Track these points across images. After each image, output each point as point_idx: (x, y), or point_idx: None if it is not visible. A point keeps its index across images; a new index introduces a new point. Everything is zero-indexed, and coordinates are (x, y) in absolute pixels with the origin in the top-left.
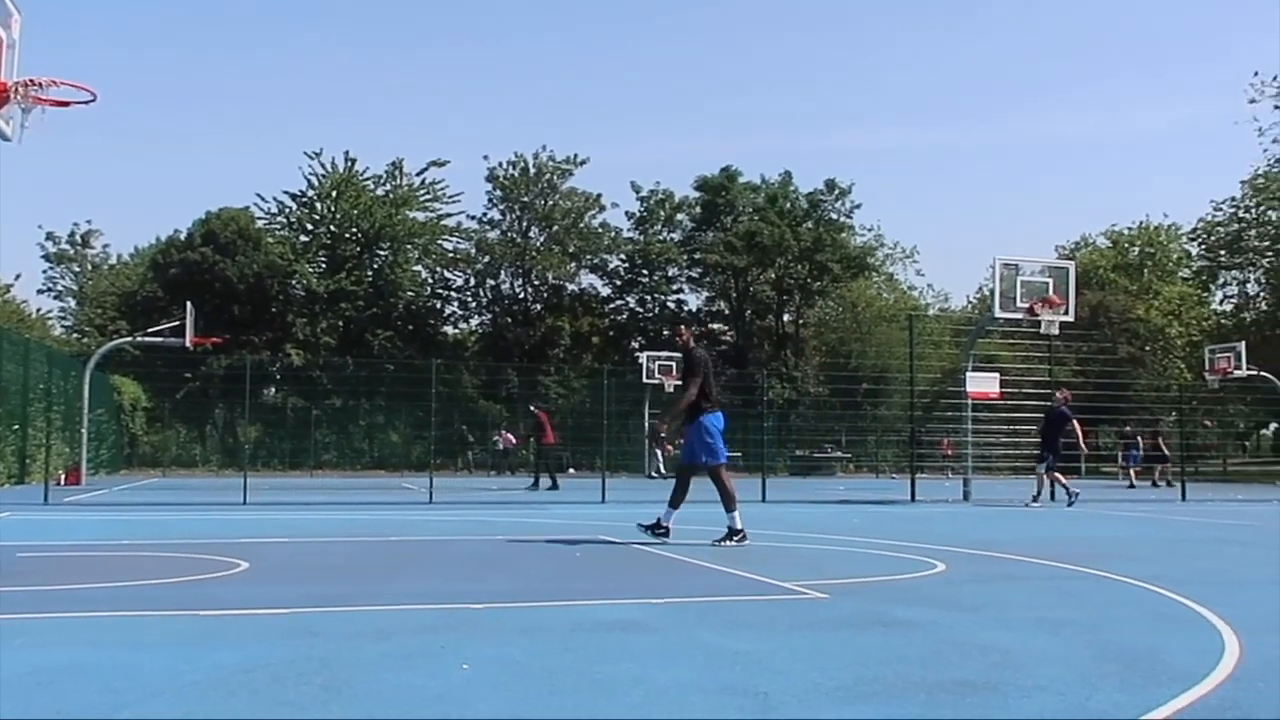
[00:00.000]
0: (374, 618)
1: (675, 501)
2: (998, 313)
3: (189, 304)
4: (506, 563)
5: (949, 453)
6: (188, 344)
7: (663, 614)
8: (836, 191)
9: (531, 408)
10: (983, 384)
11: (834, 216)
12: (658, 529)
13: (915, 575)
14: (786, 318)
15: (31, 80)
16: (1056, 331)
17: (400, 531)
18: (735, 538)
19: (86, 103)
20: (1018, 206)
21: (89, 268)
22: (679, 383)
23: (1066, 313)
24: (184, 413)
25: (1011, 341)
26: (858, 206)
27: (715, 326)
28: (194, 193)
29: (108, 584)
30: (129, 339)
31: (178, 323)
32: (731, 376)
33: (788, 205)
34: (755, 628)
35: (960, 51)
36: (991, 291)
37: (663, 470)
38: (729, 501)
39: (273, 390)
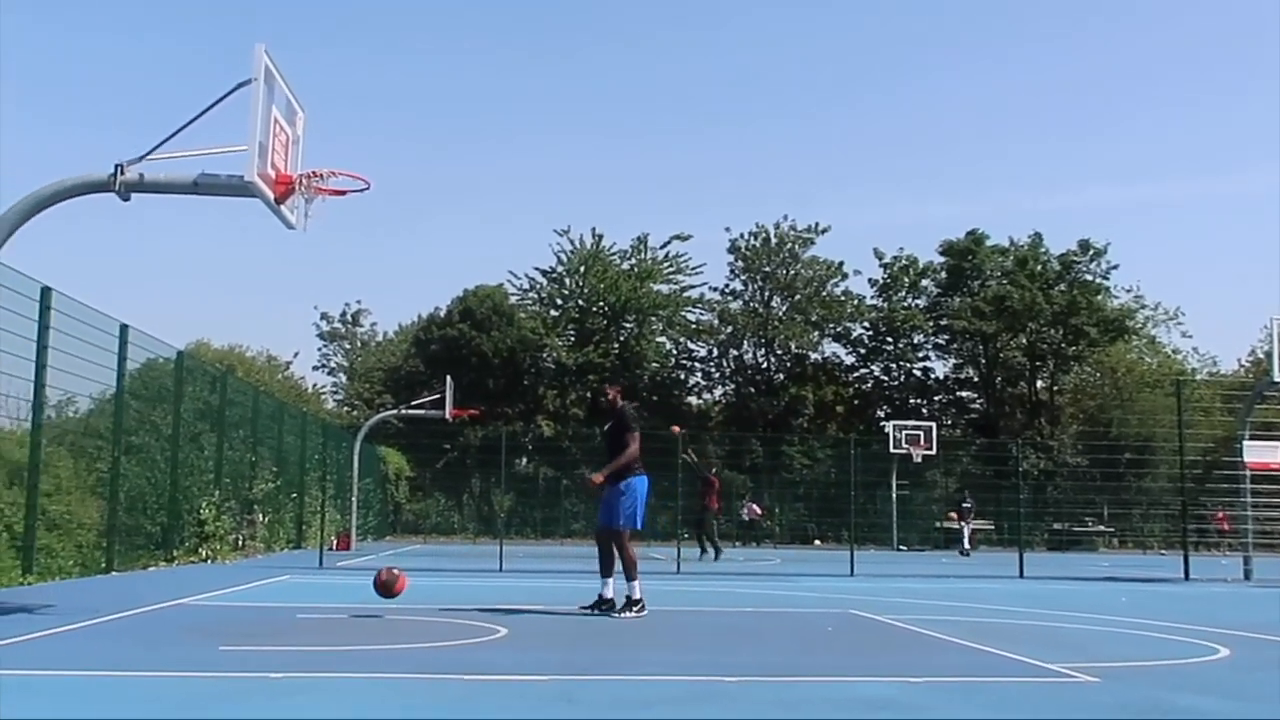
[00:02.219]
0: (630, 688)
1: (607, 570)
2: (1277, 376)
3: (448, 378)
4: (755, 635)
5: (1225, 527)
6: (447, 416)
7: (921, 694)
8: (1091, 251)
9: (712, 470)
10: (1263, 453)
11: (1089, 278)
12: (600, 604)
13: (1195, 660)
14: (1040, 384)
15: (314, 172)
16: None
17: (650, 602)
18: (635, 608)
19: (361, 191)
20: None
21: (358, 345)
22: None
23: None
24: (443, 482)
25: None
26: (1115, 267)
27: (963, 394)
28: (452, 271)
29: (379, 646)
30: (393, 412)
31: (438, 396)
32: (982, 446)
33: (1038, 267)
34: (1022, 712)
35: (1221, 101)
36: (1268, 353)
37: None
38: (631, 569)
39: (525, 460)
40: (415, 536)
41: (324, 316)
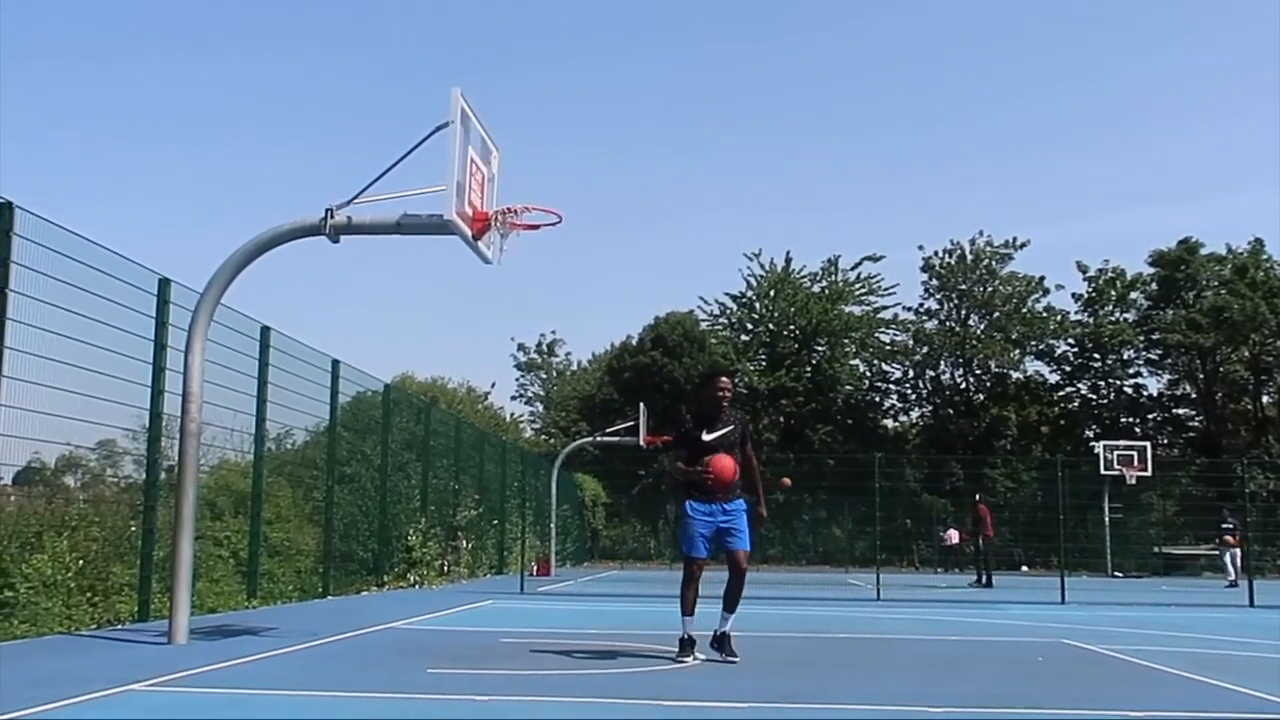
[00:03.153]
0: (830, 714)
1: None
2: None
3: (641, 405)
4: (961, 665)
5: None
6: (641, 443)
7: None
8: None
9: (977, 498)
10: None
11: None
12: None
13: None
14: (1265, 399)
15: (509, 208)
16: None
17: (849, 629)
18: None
19: (554, 224)
20: None
21: (554, 374)
22: (1133, 472)
23: None
24: (639, 508)
25: None
26: None
27: (1180, 411)
28: (644, 299)
29: (578, 671)
30: (589, 439)
31: (631, 423)
32: (1203, 466)
33: (1260, 275)
34: None
35: None
36: None
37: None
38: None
39: None
40: (612, 562)
41: (520, 348)
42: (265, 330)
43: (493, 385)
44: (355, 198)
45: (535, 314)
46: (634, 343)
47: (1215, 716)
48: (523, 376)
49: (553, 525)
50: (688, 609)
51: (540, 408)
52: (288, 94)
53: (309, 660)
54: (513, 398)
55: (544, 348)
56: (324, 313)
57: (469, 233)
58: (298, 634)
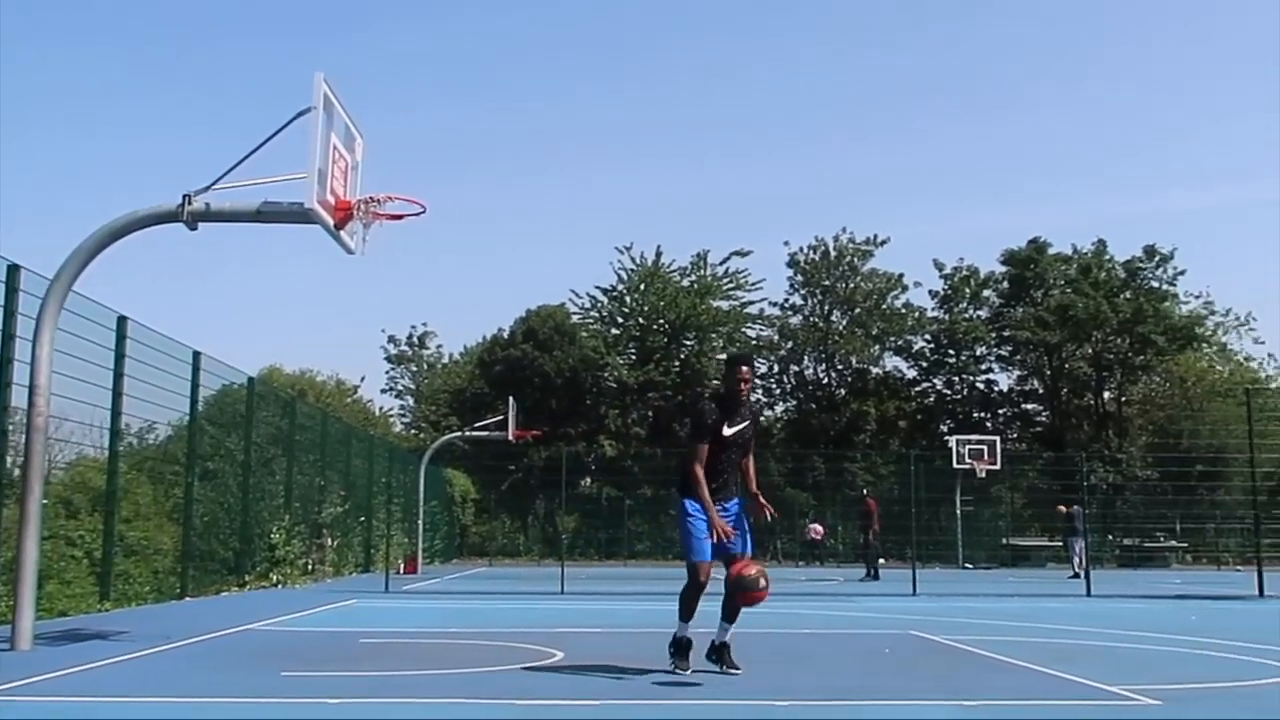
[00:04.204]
0: (681, 712)
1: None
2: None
3: (510, 399)
4: (812, 658)
5: None
6: (510, 437)
7: (977, 718)
8: (1157, 258)
9: (865, 492)
10: None
11: (1155, 285)
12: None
13: (1263, 682)
14: (1107, 395)
15: (372, 197)
16: None
17: (709, 623)
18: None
19: (418, 214)
20: None
21: (424, 367)
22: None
23: None
24: (508, 503)
25: None
26: (1182, 273)
27: (1028, 407)
28: (516, 292)
29: (435, 671)
30: (458, 434)
31: (501, 417)
32: (1048, 460)
33: (1103, 275)
34: None
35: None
36: None
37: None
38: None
39: (588, 480)
40: (481, 559)
41: (391, 340)
42: (122, 320)
43: (362, 378)
44: (214, 184)
45: (407, 307)
46: (505, 335)
47: (1046, 703)
48: (393, 369)
49: (420, 522)
50: (688, 615)
51: (410, 401)
52: (146, 74)
53: (159, 665)
54: (383, 391)
55: (415, 340)
56: (187, 303)
57: (331, 222)
58: (150, 637)
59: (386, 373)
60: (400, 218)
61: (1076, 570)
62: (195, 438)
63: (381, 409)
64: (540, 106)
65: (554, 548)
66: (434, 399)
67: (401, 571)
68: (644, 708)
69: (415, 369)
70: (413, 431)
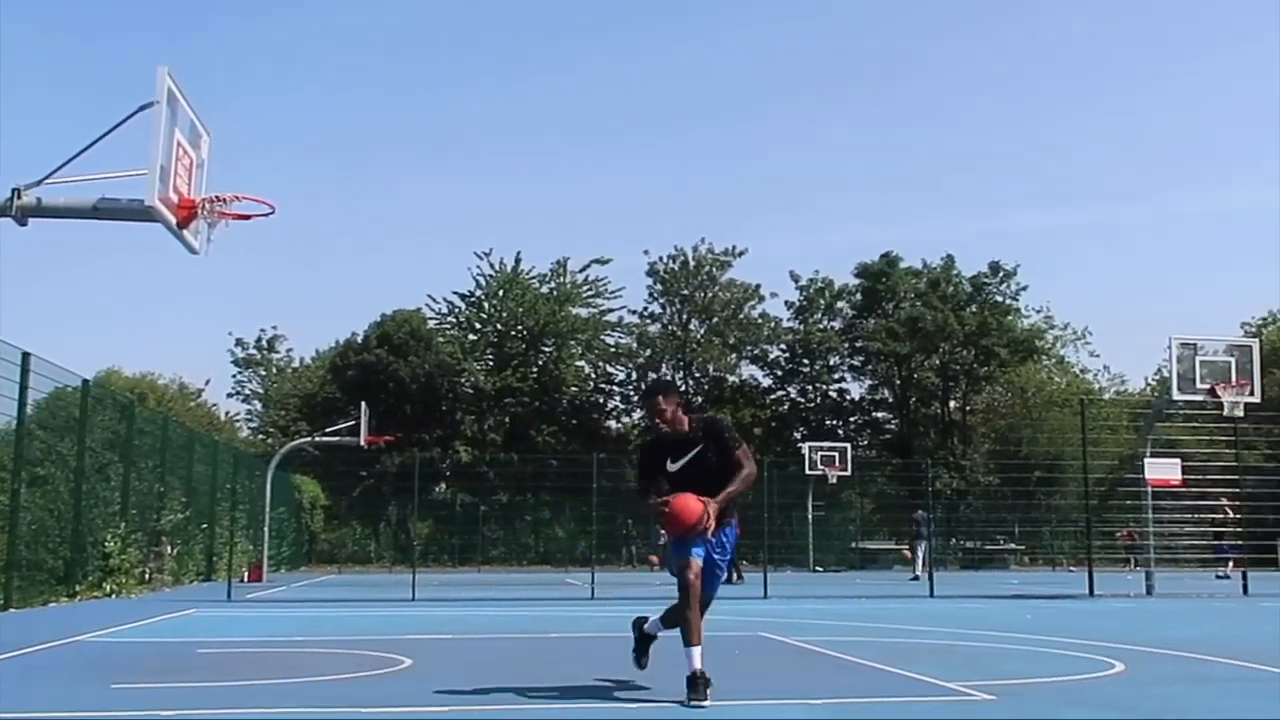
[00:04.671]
0: (531, 715)
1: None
2: (1176, 395)
3: (363, 404)
4: (663, 660)
5: (1130, 543)
6: (362, 443)
7: (821, 716)
8: (1001, 273)
9: None
10: (1163, 470)
11: (999, 299)
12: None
13: (1092, 676)
14: (952, 404)
15: (216, 196)
16: (1241, 413)
17: (562, 628)
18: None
19: (266, 215)
20: (1199, 282)
21: (274, 371)
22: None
23: (1251, 393)
24: (360, 510)
25: (1194, 425)
26: (1024, 288)
27: (879, 415)
28: (370, 296)
29: (276, 681)
30: (308, 439)
31: (353, 422)
32: (896, 466)
33: (950, 289)
34: None
35: (1130, 127)
36: (1170, 372)
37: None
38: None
39: (443, 486)
40: (330, 566)
41: (239, 343)
42: None
43: (207, 382)
44: (47, 178)
45: (256, 309)
46: (359, 340)
47: (888, 701)
48: (240, 373)
49: (266, 529)
50: (694, 637)
51: (258, 406)
52: None
53: None
54: (229, 395)
55: (264, 343)
56: (17, 303)
57: (173, 220)
58: None
59: (233, 376)
60: (248, 218)
61: (917, 573)
62: (22, 443)
63: (228, 413)
64: (396, 108)
65: (406, 554)
66: (283, 404)
67: (245, 580)
68: (492, 713)
69: (264, 373)
70: (260, 437)
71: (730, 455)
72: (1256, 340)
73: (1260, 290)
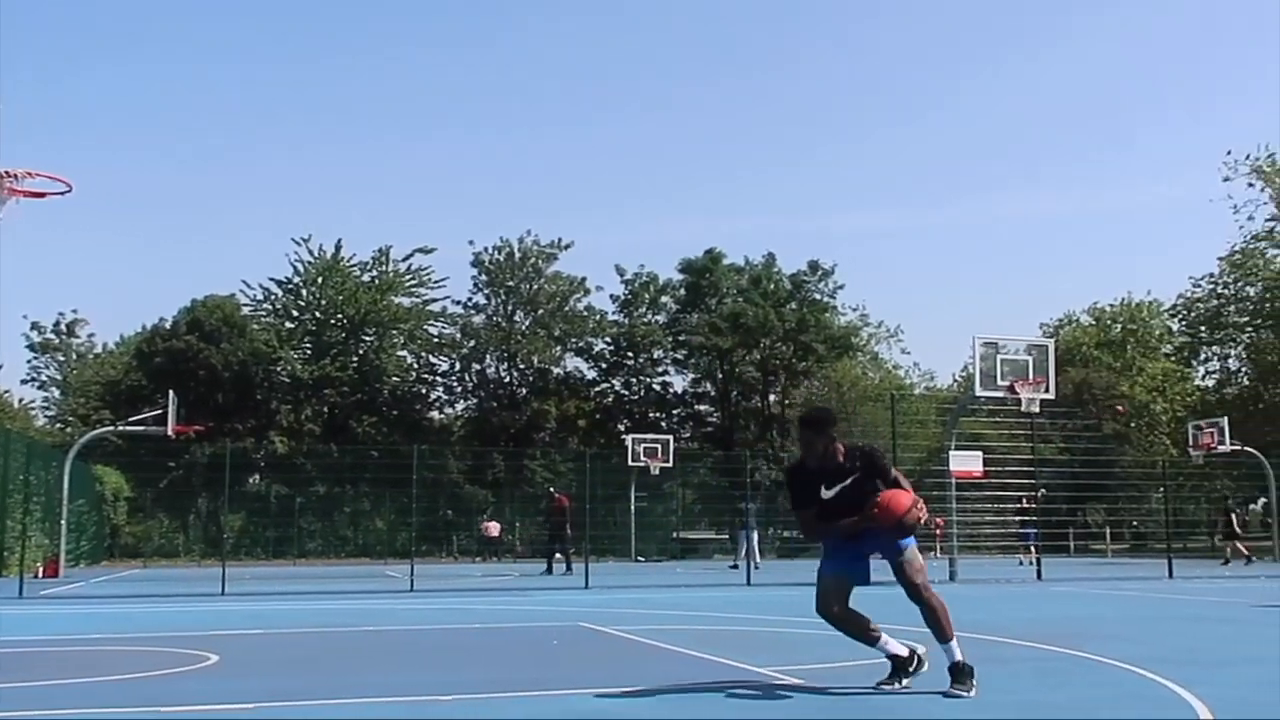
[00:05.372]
0: (338, 712)
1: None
2: (979, 391)
3: (171, 392)
4: (481, 652)
5: (936, 532)
6: (170, 433)
7: (635, 704)
8: (820, 272)
9: (551, 490)
10: (966, 462)
11: (818, 297)
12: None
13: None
14: (772, 398)
15: (7, 172)
16: (1038, 409)
17: (378, 621)
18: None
19: (62, 194)
20: (1002, 284)
21: (74, 357)
22: (663, 465)
23: (1047, 390)
24: (167, 502)
25: (996, 420)
26: (841, 287)
27: (701, 408)
28: (181, 280)
29: (72, 680)
30: (111, 428)
31: (160, 411)
32: (718, 458)
33: (771, 286)
34: (724, 714)
35: (941, 134)
36: (974, 370)
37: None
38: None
39: (257, 478)
40: (135, 560)
41: (35, 327)
42: None
43: None
44: None
45: (55, 291)
46: (167, 326)
47: (700, 686)
48: (36, 359)
49: (64, 522)
50: (947, 631)
51: (57, 393)
52: None
53: None
54: (23, 382)
55: (63, 328)
56: None
57: None
58: None
59: (29, 362)
60: (42, 195)
61: (736, 562)
62: None
63: (21, 401)
64: (210, 85)
65: (217, 548)
66: (84, 391)
67: (40, 576)
68: (299, 709)
69: (63, 359)
70: (58, 426)
71: (889, 483)
72: (1053, 340)
73: (1058, 293)
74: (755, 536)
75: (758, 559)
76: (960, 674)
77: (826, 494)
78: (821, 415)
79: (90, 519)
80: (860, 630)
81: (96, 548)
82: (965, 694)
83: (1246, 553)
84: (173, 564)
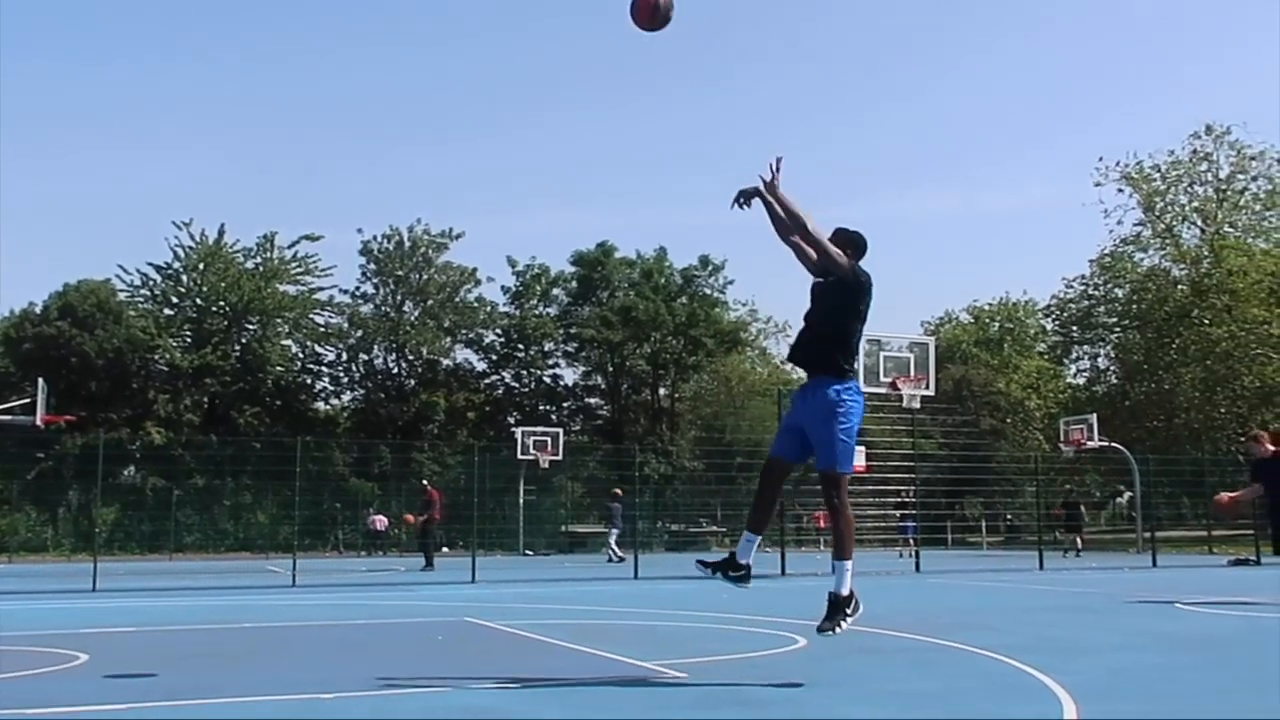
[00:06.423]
0: (216, 712)
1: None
2: (863, 387)
3: (40, 381)
4: (364, 648)
5: (821, 525)
6: (38, 422)
7: (517, 699)
8: (710, 267)
9: (425, 483)
10: None
11: (708, 292)
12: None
13: (777, 651)
14: (662, 392)
15: None
16: (918, 405)
17: (259, 617)
18: (851, 611)
19: None
20: (887, 284)
21: None
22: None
23: (927, 387)
24: (35, 494)
25: (879, 415)
26: (731, 282)
27: (591, 401)
28: (52, 264)
29: None
30: None
31: (29, 400)
32: (608, 452)
33: (662, 280)
34: (611, 711)
35: (827, 136)
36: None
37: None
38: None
39: (132, 470)
40: None
41: None
42: None
43: None
44: None
45: None
46: (38, 311)
47: (584, 680)
48: None
49: None
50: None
51: None
52: None
53: None
54: None
55: None
56: None
57: None
58: None
59: None
60: None
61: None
62: None
63: None
64: (94, 67)
65: (88, 542)
66: None
67: None
68: (174, 709)
69: None
70: None
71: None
72: (933, 339)
73: (939, 292)
74: (614, 534)
75: (615, 553)
76: (834, 607)
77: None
78: (847, 234)
79: None
80: (761, 510)
81: None
82: (831, 630)
83: (1080, 546)
84: (40, 559)
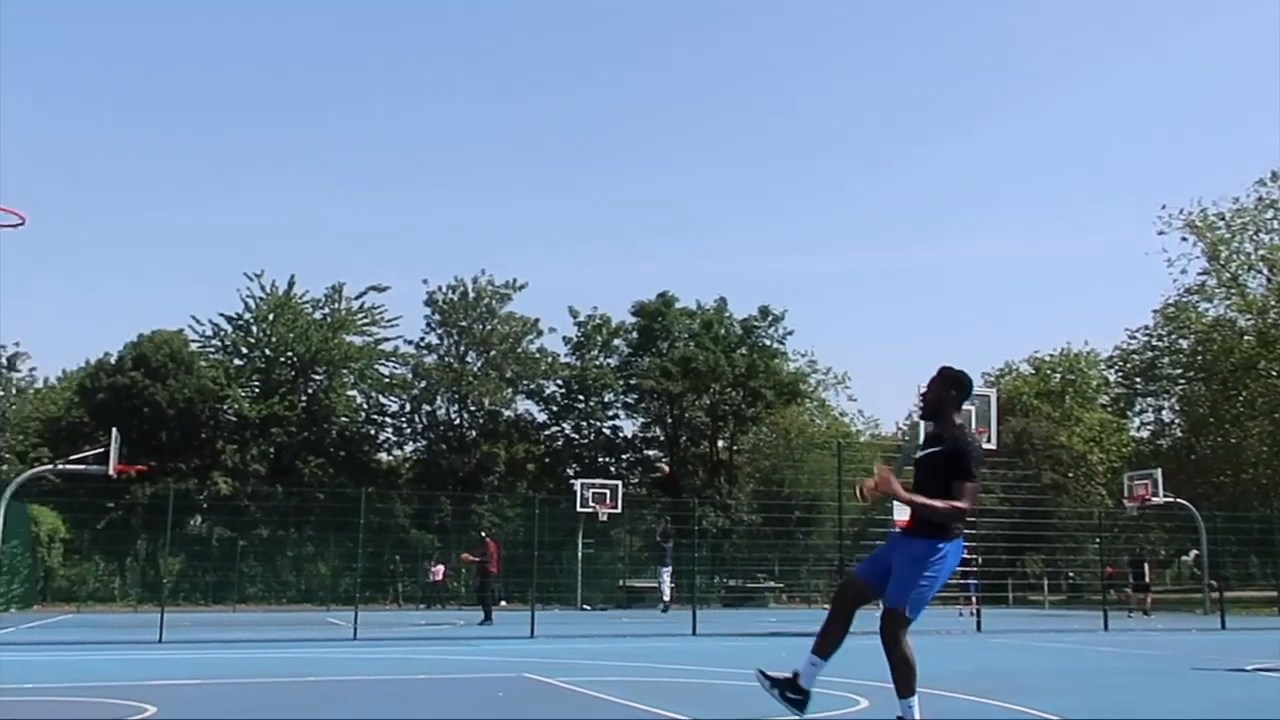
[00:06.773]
0: None
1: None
2: (922, 440)
3: (114, 430)
4: (424, 705)
5: None
6: (111, 472)
7: None
8: (770, 318)
9: (483, 534)
10: (909, 512)
11: (767, 343)
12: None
13: (838, 713)
14: (720, 444)
15: None
16: None
17: (319, 671)
18: None
19: (15, 226)
20: (946, 333)
21: (13, 392)
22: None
23: (988, 440)
24: (104, 544)
25: None
26: (790, 333)
27: (650, 453)
28: (128, 315)
29: None
30: (49, 467)
31: (102, 450)
32: (665, 505)
33: (722, 331)
34: None
35: (889, 183)
36: (917, 418)
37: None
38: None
39: (198, 520)
40: (68, 605)
41: None
42: None
43: None
44: None
45: None
46: (112, 361)
47: None
48: None
49: None
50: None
51: None
52: None
53: None
54: None
55: (3, 361)
56: None
57: None
58: None
59: None
60: None
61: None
62: None
63: None
64: (165, 122)
65: (155, 592)
66: (23, 427)
67: None
68: None
69: (2, 393)
70: None
71: (951, 478)
72: (994, 390)
73: (999, 342)
74: (668, 574)
75: (666, 598)
76: None
77: (917, 455)
78: (954, 375)
79: (23, 561)
80: (829, 633)
81: (29, 591)
82: None
83: (1148, 606)
84: (108, 609)
